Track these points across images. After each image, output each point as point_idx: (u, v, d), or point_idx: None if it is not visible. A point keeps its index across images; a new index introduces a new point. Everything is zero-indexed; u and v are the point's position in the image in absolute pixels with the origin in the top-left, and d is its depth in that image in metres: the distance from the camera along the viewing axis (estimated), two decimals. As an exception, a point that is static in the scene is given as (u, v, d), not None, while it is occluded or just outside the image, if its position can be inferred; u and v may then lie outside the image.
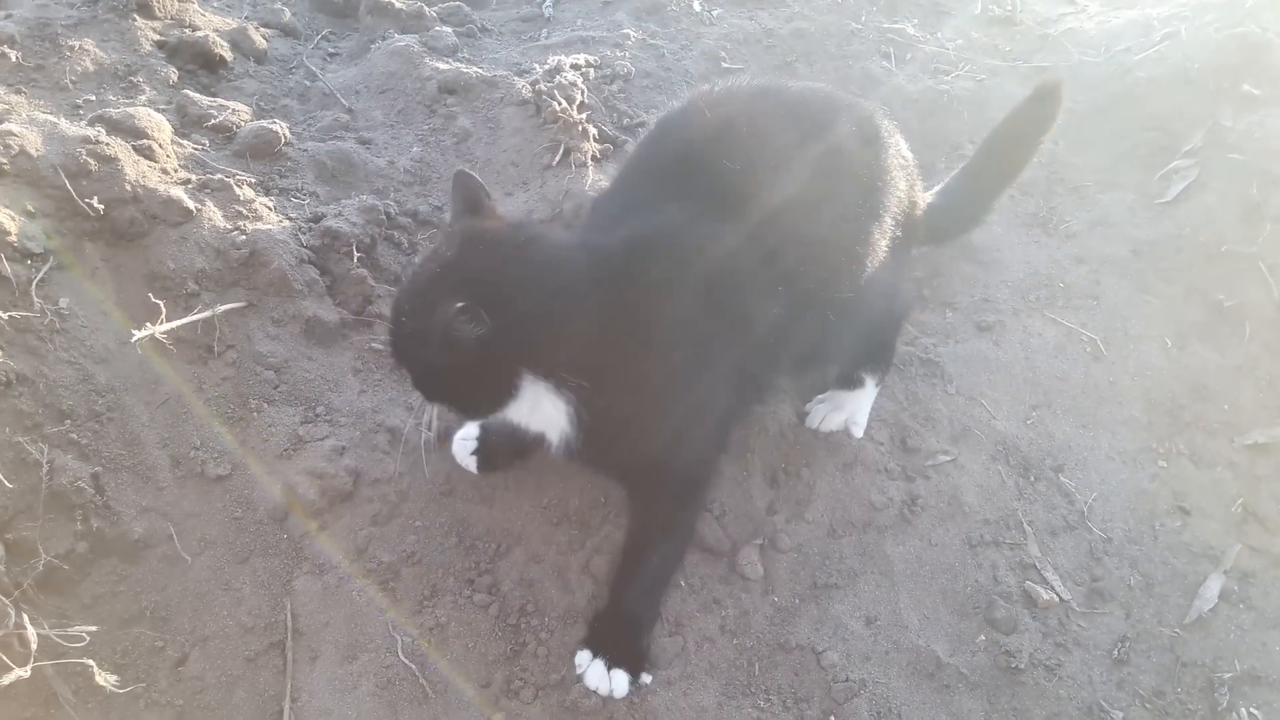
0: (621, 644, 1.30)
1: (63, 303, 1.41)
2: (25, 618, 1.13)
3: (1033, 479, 1.58)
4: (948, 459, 1.58)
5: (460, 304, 1.11)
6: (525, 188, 1.90)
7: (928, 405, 1.67)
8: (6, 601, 1.16)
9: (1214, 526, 1.56)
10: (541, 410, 1.24)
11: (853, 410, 1.59)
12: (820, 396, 1.62)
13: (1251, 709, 1.33)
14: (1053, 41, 2.56)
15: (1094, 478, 1.60)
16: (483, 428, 1.45)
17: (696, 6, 2.44)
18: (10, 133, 1.46)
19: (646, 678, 1.29)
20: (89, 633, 1.18)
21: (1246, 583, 1.48)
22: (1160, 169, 2.14)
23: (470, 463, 1.46)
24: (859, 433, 1.59)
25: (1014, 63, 2.46)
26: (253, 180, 1.71)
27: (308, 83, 2.14)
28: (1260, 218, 1.95)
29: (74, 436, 1.33)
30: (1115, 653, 1.38)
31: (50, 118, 1.56)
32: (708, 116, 1.36)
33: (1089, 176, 2.17)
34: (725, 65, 2.29)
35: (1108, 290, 1.91)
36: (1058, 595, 1.43)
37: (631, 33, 2.31)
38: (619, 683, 1.27)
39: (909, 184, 1.50)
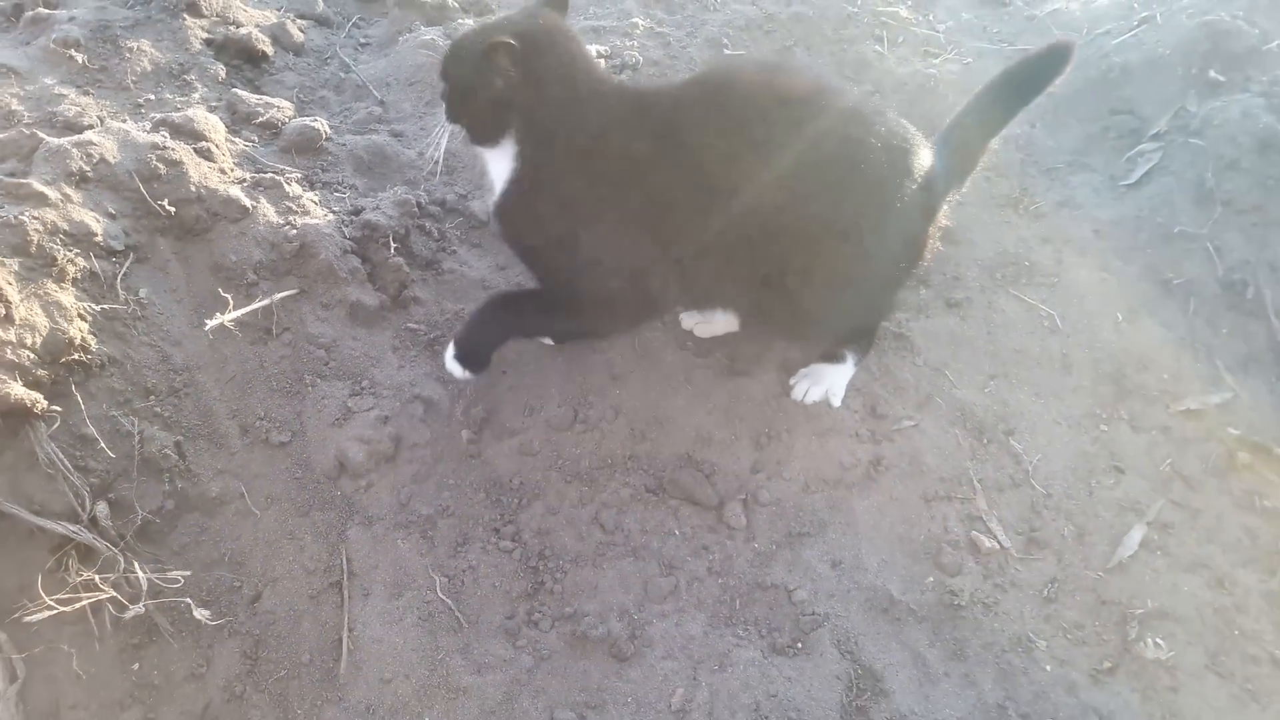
0: (464, 343, 1.68)
1: (142, 293, 1.64)
2: (136, 564, 1.38)
3: (985, 441, 1.80)
4: (911, 424, 1.80)
5: (510, 42, 1.42)
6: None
7: (897, 376, 1.88)
8: (115, 550, 1.41)
9: (1143, 484, 1.78)
10: (500, 165, 1.57)
11: (832, 382, 1.81)
12: (804, 370, 1.84)
13: (1157, 639, 1.57)
14: (1039, 23, 2.71)
15: (1041, 440, 1.82)
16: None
17: (700, -8, 2.60)
18: (90, 142, 1.67)
19: (468, 374, 1.70)
20: (183, 576, 1.44)
21: (1166, 533, 1.71)
22: (1127, 151, 2.31)
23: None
24: (837, 403, 1.81)
25: (1000, 45, 2.62)
26: (299, 175, 1.92)
27: (342, 74, 2.33)
28: (1212, 201, 2.13)
29: (158, 410, 1.57)
30: (1045, 592, 1.62)
31: (122, 125, 1.78)
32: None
33: (1061, 158, 2.35)
34: (727, 51, 2.46)
35: (1069, 269, 2.10)
36: (999, 543, 1.66)
37: (639, 21, 2.48)
38: (453, 366, 1.69)
39: (923, 214, 1.60)
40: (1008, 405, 1.86)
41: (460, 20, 2.45)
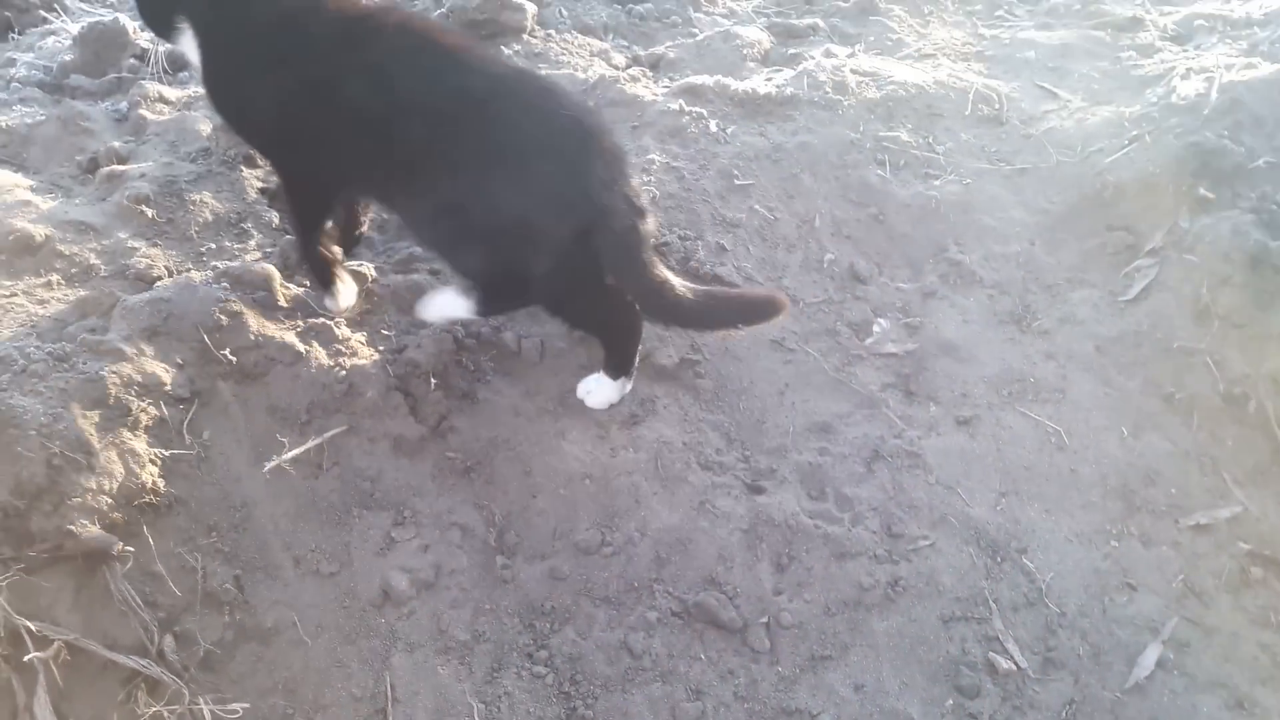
0: None
1: (206, 435, 1.77)
2: (200, 697, 1.49)
3: (999, 560, 1.88)
4: (927, 544, 1.89)
5: None
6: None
7: (911, 494, 1.97)
8: (181, 683, 1.51)
9: (1157, 601, 1.84)
10: (192, 55, 1.96)
11: (597, 388, 2.06)
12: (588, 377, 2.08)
13: (1174, 760, 1.62)
14: (1034, 142, 2.86)
15: (1053, 558, 1.89)
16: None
17: (713, 127, 2.77)
18: (162, 299, 1.83)
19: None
20: (242, 707, 1.54)
21: (1182, 651, 1.77)
22: (1125, 267, 2.43)
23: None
24: (590, 403, 2.06)
25: (998, 164, 2.77)
26: (349, 321, 2.07)
27: (384, 215, 2.50)
28: (1209, 316, 2.24)
29: (219, 546, 1.69)
30: (1063, 714, 1.68)
31: (189, 276, 1.94)
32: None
33: (1061, 275, 2.47)
34: (738, 181, 2.62)
35: (1073, 384, 2.20)
36: (1016, 664, 1.73)
37: (656, 157, 2.64)
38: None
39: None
40: (1019, 523, 1.94)
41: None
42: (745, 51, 3.40)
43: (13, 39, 4.02)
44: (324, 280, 2.05)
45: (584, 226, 1.76)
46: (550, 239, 1.80)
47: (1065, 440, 2.09)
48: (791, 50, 3.45)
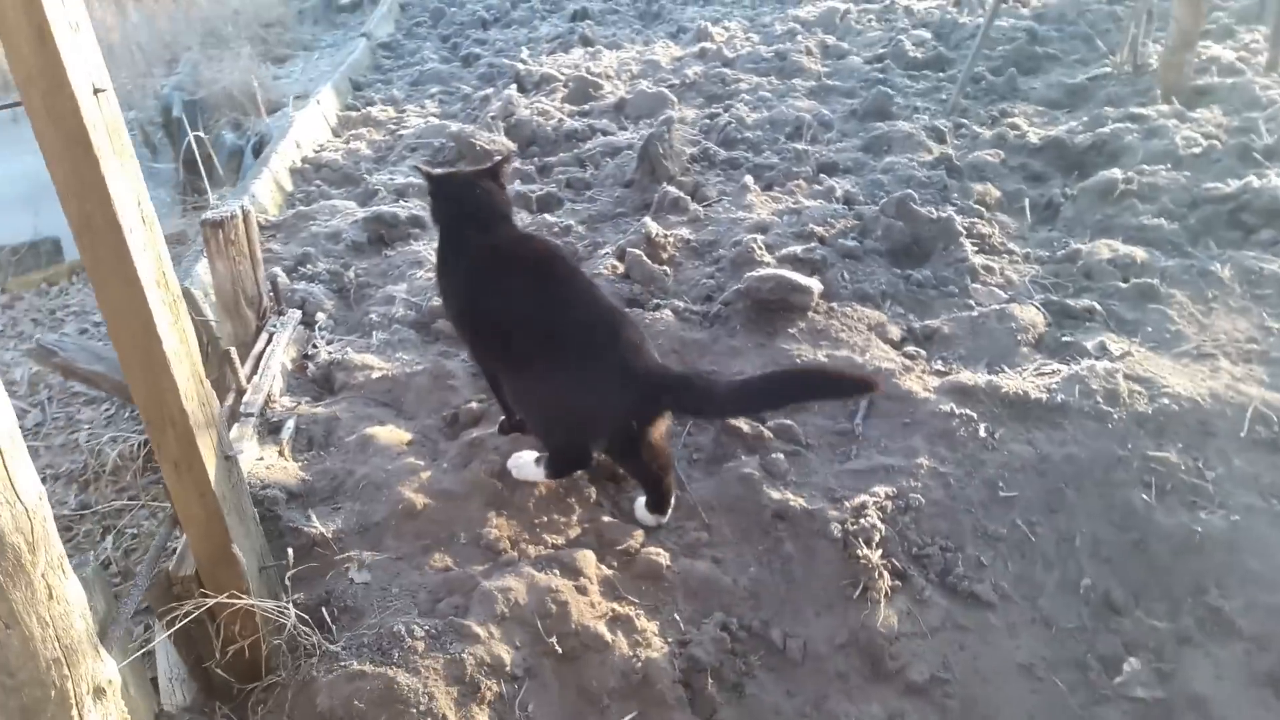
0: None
1: (530, 708, 2.25)
2: None
3: None
4: None
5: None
6: (830, 611, 2.56)
7: None
8: None
9: None
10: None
11: (526, 464, 2.86)
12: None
13: None
14: (1315, 475, 2.86)
15: None
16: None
17: (982, 431, 3.03)
18: (509, 588, 2.36)
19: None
20: None
21: None
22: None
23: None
24: (516, 474, 2.87)
25: (1270, 501, 2.80)
26: (646, 608, 2.51)
27: (679, 492, 2.96)
28: None
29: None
30: None
31: (529, 570, 2.47)
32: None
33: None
34: (1002, 493, 2.85)
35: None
36: None
37: (924, 460, 2.94)
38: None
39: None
40: None
41: (773, 455, 3.03)
42: (1019, 336, 3.63)
43: (385, 255, 5.02)
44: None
45: (624, 411, 2.63)
46: (602, 421, 2.71)
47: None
48: (1066, 336, 3.64)
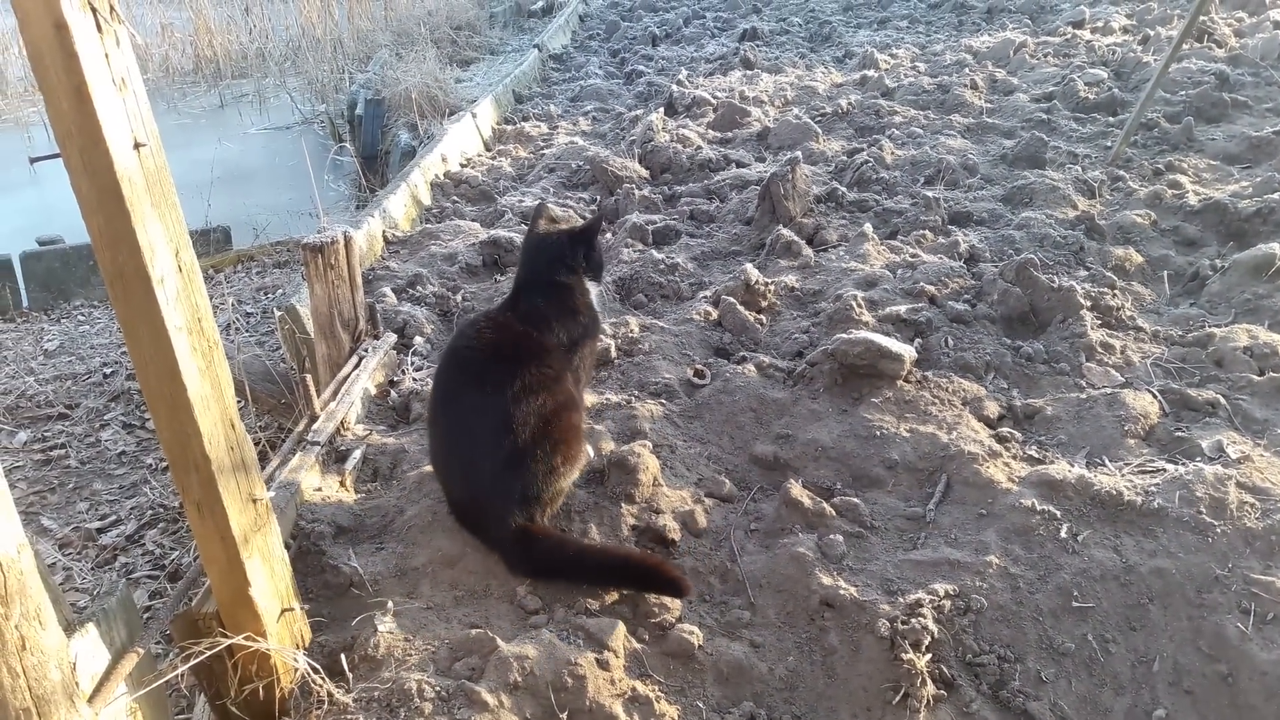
0: None
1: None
2: None
3: None
4: None
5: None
6: (867, 714, 2.39)
7: None
8: None
9: None
10: None
11: None
12: None
13: None
14: None
15: None
16: None
17: (1063, 533, 2.79)
18: (526, 656, 2.31)
19: None
20: None
21: None
22: None
23: None
24: None
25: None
26: (670, 689, 2.41)
27: (729, 564, 2.85)
28: None
29: None
30: None
31: (551, 637, 2.41)
32: None
33: None
34: (1076, 603, 2.61)
35: None
36: None
37: (995, 558, 2.72)
38: None
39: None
40: None
41: (832, 536, 2.87)
42: (1127, 426, 3.35)
43: (496, 280, 5.06)
44: None
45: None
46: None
47: None
48: (1180, 431, 3.32)
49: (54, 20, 1.52)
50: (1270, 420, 3.36)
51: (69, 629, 1.85)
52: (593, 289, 3.07)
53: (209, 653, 2.06)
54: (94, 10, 1.58)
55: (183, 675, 2.15)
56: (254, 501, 2.09)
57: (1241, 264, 4.50)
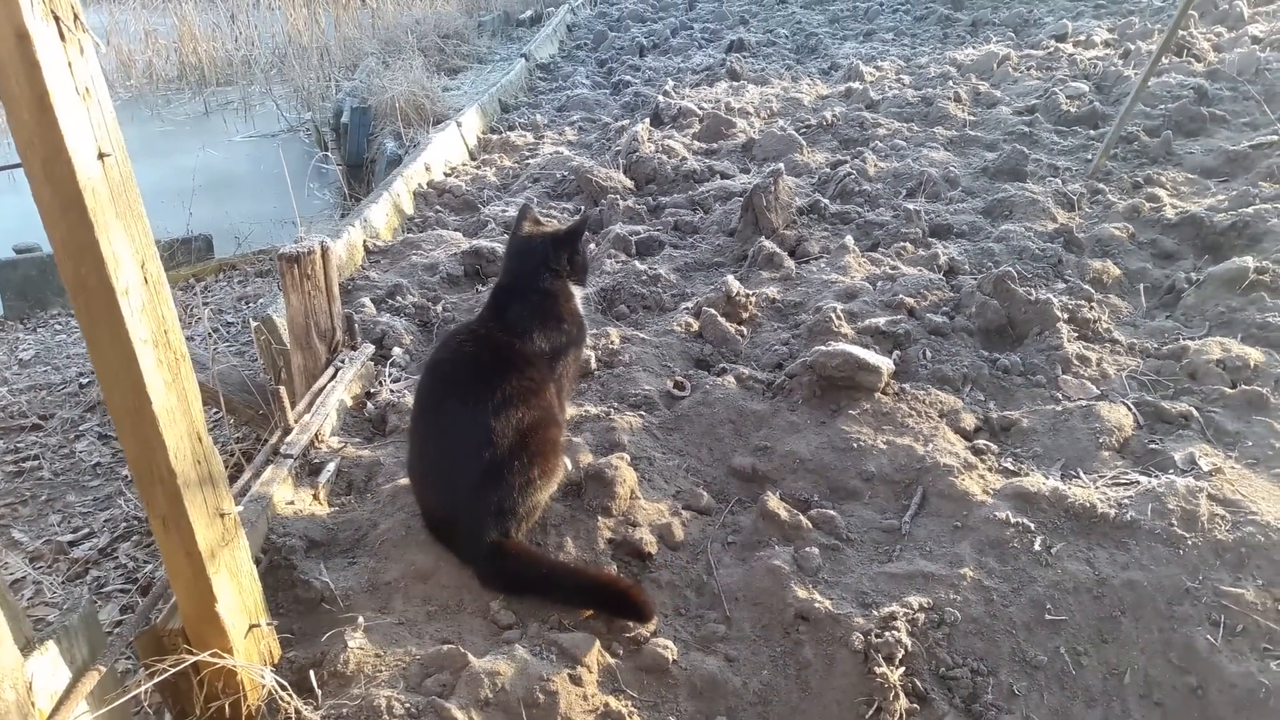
0: None
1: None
2: None
3: None
4: None
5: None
6: (843, 728, 2.39)
7: None
8: None
9: None
10: None
11: None
12: None
13: None
14: None
15: None
16: None
17: (1037, 545, 2.79)
18: (497, 672, 2.29)
19: None
20: None
21: None
22: None
23: None
24: None
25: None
26: (644, 704, 2.39)
27: (705, 577, 2.84)
28: None
29: None
30: None
31: (523, 653, 2.39)
32: None
33: None
34: (1049, 615, 2.61)
35: None
36: None
37: (969, 571, 2.72)
38: None
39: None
40: None
41: (808, 549, 2.86)
42: (1102, 439, 3.36)
43: (478, 290, 5.03)
44: None
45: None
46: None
47: None
48: (1153, 444, 3.33)
49: (15, 29, 1.50)
50: (1242, 433, 3.38)
51: (27, 647, 1.82)
52: (578, 293, 3.06)
53: (174, 670, 2.03)
54: (57, 19, 1.57)
55: (147, 693, 2.12)
56: (221, 516, 2.07)
57: (1216, 277, 4.53)
